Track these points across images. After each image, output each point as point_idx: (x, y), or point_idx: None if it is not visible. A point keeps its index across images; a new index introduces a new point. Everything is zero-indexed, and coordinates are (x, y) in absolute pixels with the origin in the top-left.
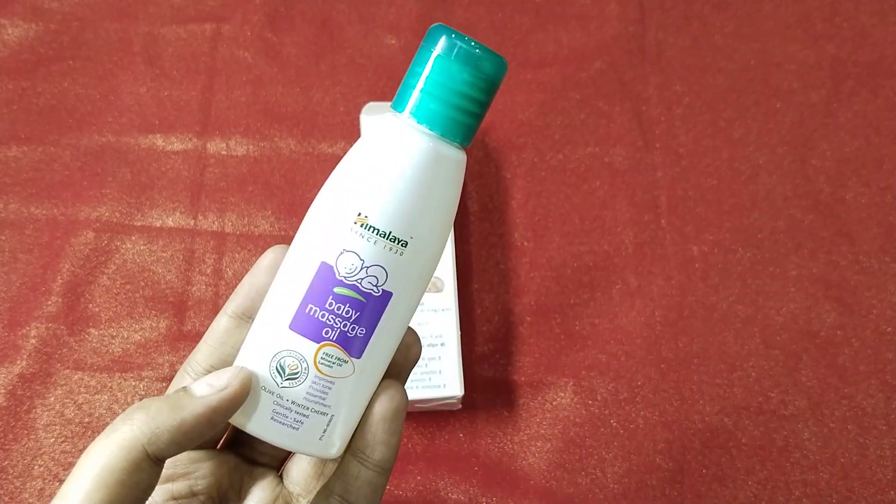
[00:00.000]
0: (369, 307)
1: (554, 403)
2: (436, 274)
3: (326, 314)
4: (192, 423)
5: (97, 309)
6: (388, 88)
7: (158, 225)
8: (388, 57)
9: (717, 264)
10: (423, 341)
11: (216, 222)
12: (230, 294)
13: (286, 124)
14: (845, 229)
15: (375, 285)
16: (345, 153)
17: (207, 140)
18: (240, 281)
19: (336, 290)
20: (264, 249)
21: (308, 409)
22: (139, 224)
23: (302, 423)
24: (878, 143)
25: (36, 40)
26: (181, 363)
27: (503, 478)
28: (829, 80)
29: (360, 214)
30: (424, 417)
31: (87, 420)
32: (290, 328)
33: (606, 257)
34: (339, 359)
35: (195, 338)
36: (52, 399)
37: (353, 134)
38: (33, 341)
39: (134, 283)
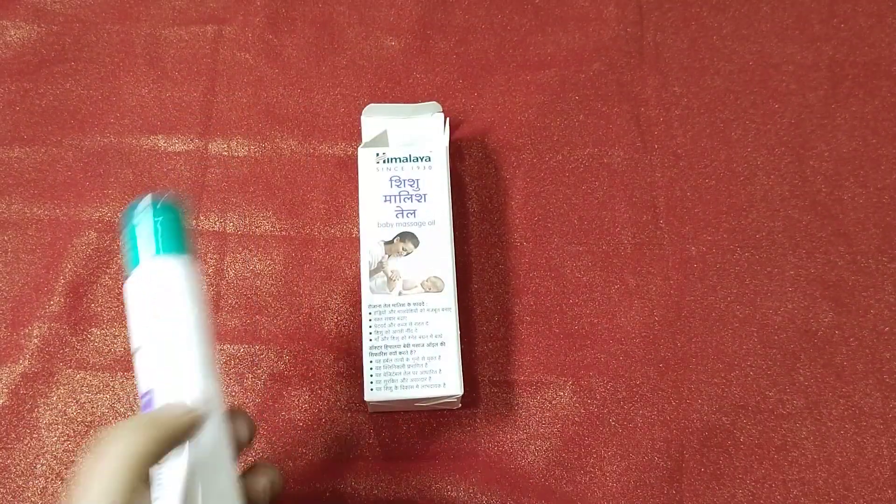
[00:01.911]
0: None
1: (553, 402)
2: (436, 274)
3: None
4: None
5: (99, 309)
6: (388, 90)
7: None
8: (389, 59)
9: (714, 264)
10: (423, 341)
11: (217, 222)
12: (231, 294)
13: (287, 125)
14: (843, 229)
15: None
16: (345, 154)
17: (209, 141)
18: (241, 282)
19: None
20: (265, 249)
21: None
22: None
23: None
24: (876, 144)
25: (38, 42)
26: None
27: (503, 476)
28: (827, 81)
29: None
30: (424, 417)
31: (89, 419)
32: None
33: (605, 257)
34: None
35: None
36: (55, 398)
37: (353, 135)
38: (36, 341)
39: None
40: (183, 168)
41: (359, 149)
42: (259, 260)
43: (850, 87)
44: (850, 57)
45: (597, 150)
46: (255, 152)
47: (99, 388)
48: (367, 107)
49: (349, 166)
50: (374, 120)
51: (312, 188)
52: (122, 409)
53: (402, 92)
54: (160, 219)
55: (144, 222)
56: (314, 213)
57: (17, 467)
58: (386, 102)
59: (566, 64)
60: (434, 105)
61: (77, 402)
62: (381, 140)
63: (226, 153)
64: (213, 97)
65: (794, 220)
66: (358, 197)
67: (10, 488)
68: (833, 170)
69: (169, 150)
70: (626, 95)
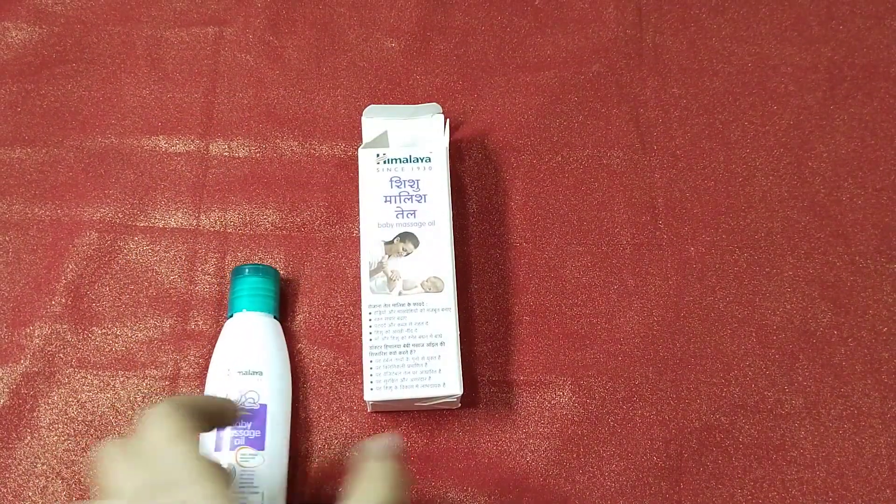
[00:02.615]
0: (257, 416)
1: (552, 402)
2: (436, 274)
3: (234, 430)
4: None
5: (101, 308)
6: (388, 91)
7: (161, 225)
8: (389, 60)
9: (713, 265)
10: (423, 341)
11: (218, 223)
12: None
13: (288, 126)
14: (841, 230)
15: (255, 402)
16: (345, 155)
17: (210, 142)
18: None
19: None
20: (266, 249)
21: (246, 493)
22: (142, 225)
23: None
24: (874, 145)
25: (39, 43)
26: (185, 361)
27: (502, 476)
28: (825, 82)
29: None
30: (424, 417)
31: (90, 418)
32: (214, 450)
33: (604, 258)
34: (251, 454)
35: (199, 336)
36: (56, 398)
37: (353, 135)
38: (37, 340)
39: (137, 282)
40: (184, 168)
41: (359, 150)
42: (260, 260)
43: (848, 89)
44: (849, 59)
45: (596, 152)
46: (255, 153)
47: (100, 387)
48: (368, 108)
49: (349, 167)
50: (375, 121)
51: (313, 188)
52: (122, 409)
53: (402, 93)
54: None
55: (248, 281)
56: (314, 214)
57: (18, 467)
58: (386, 104)
59: (565, 65)
60: (434, 106)
61: (78, 401)
62: (381, 141)
63: (226, 154)
64: (214, 98)
65: (792, 221)
66: (358, 197)
67: (10, 487)
68: (831, 171)
69: (170, 150)
70: (625, 97)
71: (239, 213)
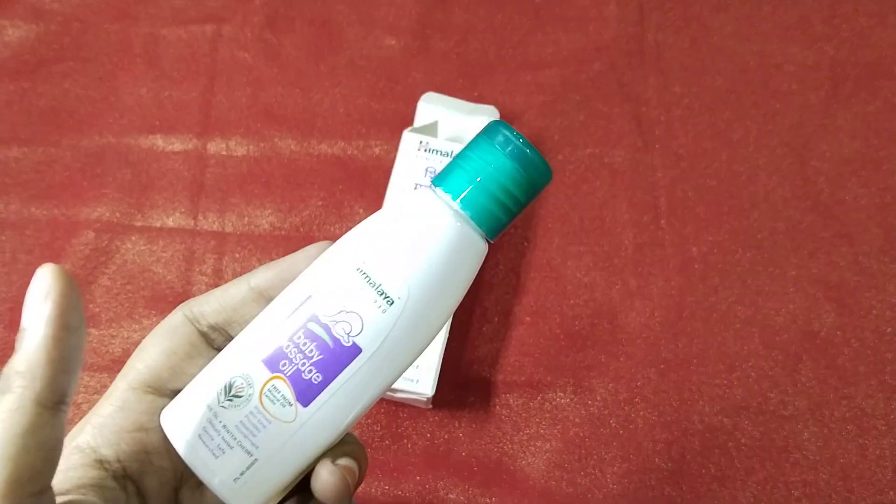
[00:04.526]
0: (333, 355)
1: (553, 403)
2: None
3: (291, 346)
4: None
5: (97, 309)
6: (387, 89)
7: (158, 225)
8: (388, 58)
9: (716, 265)
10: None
11: (216, 222)
12: None
13: (286, 125)
14: (845, 230)
15: (347, 333)
16: (344, 154)
17: (208, 141)
18: None
19: (309, 324)
20: (264, 249)
21: (235, 439)
22: (139, 224)
23: (223, 452)
24: (878, 145)
25: (37, 41)
26: None
27: (502, 478)
28: (828, 81)
29: (364, 262)
30: (423, 417)
31: None
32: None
33: (606, 258)
34: (284, 398)
35: None
36: None
37: (352, 134)
38: None
39: (134, 283)
40: (181, 168)
41: (405, 131)
42: (258, 260)
43: (851, 88)
44: (852, 57)
45: (598, 151)
46: (253, 152)
47: (96, 388)
48: (426, 94)
49: (348, 165)
50: (431, 108)
51: (312, 188)
52: None
53: (401, 92)
54: None
55: None
56: (313, 213)
57: None
58: (389, 102)
59: (567, 64)
60: (492, 110)
61: (74, 403)
62: (430, 129)
63: (224, 153)
64: (212, 96)
65: (795, 221)
66: (358, 196)
67: None
68: (835, 170)
69: (167, 149)
70: (626, 95)
71: (237, 213)
